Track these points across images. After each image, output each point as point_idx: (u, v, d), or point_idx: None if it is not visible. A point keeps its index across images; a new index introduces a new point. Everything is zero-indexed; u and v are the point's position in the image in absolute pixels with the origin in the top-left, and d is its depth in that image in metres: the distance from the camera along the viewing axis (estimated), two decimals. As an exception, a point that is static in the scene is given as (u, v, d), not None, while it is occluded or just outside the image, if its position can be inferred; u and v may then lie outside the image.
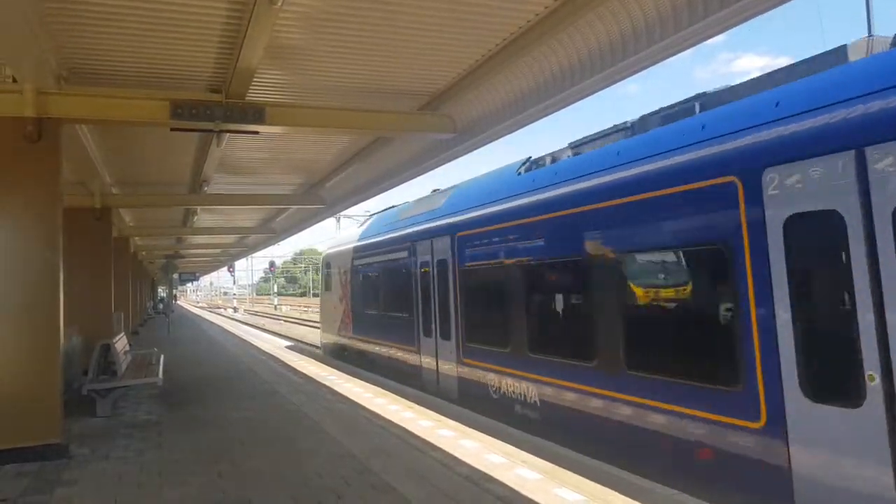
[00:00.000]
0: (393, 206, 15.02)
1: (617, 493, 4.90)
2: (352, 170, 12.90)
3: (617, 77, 6.49)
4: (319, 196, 15.83)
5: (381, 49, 6.98)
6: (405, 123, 8.94)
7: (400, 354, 12.18)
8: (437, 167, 10.79)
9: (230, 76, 7.15)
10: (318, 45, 6.78)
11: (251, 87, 7.54)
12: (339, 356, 16.14)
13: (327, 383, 11.16)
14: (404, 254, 11.90)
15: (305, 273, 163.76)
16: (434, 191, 12.48)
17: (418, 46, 6.98)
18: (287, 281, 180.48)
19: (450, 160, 10.18)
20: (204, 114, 7.63)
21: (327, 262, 17.96)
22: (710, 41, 5.96)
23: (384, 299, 13.31)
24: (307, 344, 23.90)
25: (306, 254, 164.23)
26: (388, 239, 12.95)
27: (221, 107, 7.67)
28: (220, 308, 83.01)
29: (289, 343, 22.39)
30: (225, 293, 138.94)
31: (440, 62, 7.50)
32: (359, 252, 14.84)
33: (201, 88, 7.81)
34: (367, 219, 16.19)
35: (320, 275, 19.16)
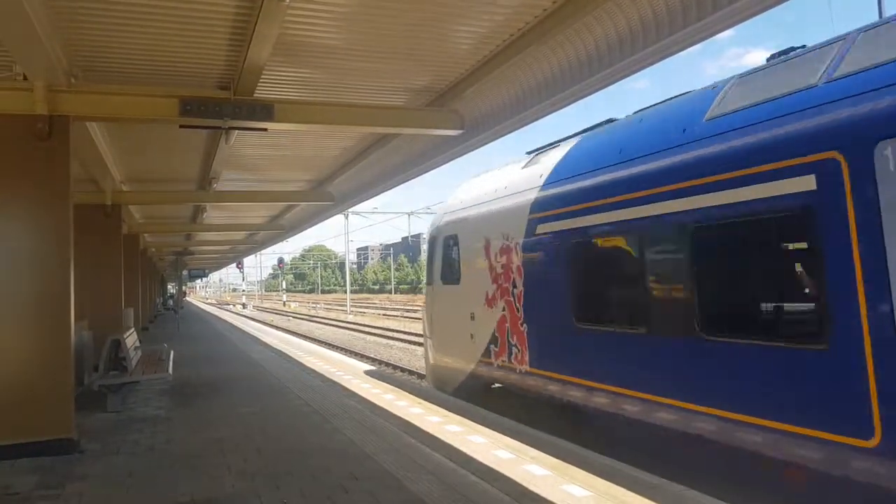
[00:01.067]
0: (616, 121, 7.73)
1: (625, 490, 4.89)
2: (360, 166, 12.91)
3: (625, 72, 6.45)
4: (328, 192, 15.85)
5: (389, 45, 6.97)
6: (413, 120, 8.93)
7: (764, 443, 4.92)
8: (445, 163, 10.77)
9: (239, 73, 7.17)
10: (326, 41, 6.78)
11: (259, 84, 7.55)
12: (473, 397, 9.13)
13: (335, 379, 11.20)
14: (785, 192, 4.85)
15: (314, 270, 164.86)
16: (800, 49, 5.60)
17: (426, 42, 6.97)
18: (296, 277, 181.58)
19: (458, 156, 10.16)
20: (212, 111, 7.65)
21: (450, 235, 10.27)
22: (718, 36, 5.85)
23: (671, 302, 5.96)
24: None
25: (315, 250, 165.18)
26: (677, 163, 5.82)
27: (230, 104, 7.69)
28: (228, 304, 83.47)
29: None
30: (234, 290, 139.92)
31: (448, 58, 7.48)
32: (554, 206, 7.56)
33: (210, 85, 7.83)
34: (540, 152, 8.81)
35: (427, 256, 11.61)
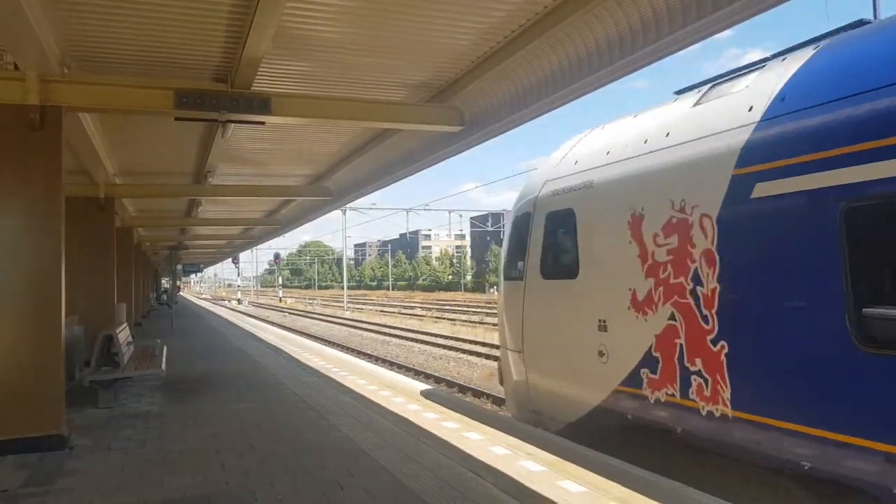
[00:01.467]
0: None
1: (620, 486, 4.86)
2: (358, 161, 12.84)
3: (625, 70, 6.38)
4: (325, 187, 15.77)
5: (390, 40, 6.90)
6: (413, 115, 8.85)
7: None
8: (445, 159, 10.71)
9: (236, 65, 7.08)
10: (326, 35, 6.71)
11: (257, 77, 7.47)
12: (604, 439, 6.41)
13: (332, 375, 11.14)
14: None
15: (311, 266, 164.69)
16: None
17: (427, 38, 6.90)
18: (292, 273, 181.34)
19: (458, 152, 10.09)
20: (209, 103, 7.57)
21: (560, 210, 7.42)
22: (717, 36, 5.78)
23: None
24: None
25: (311, 246, 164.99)
26: None
27: (226, 96, 7.61)
28: (223, 300, 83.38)
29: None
30: (229, 285, 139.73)
31: (448, 54, 7.41)
32: (801, 149, 4.71)
33: (206, 77, 7.75)
34: (723, 80, 6.08)
35: (508, 240, 8.70)
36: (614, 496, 4.67)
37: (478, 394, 13.82)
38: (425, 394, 9.26)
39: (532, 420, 7.68)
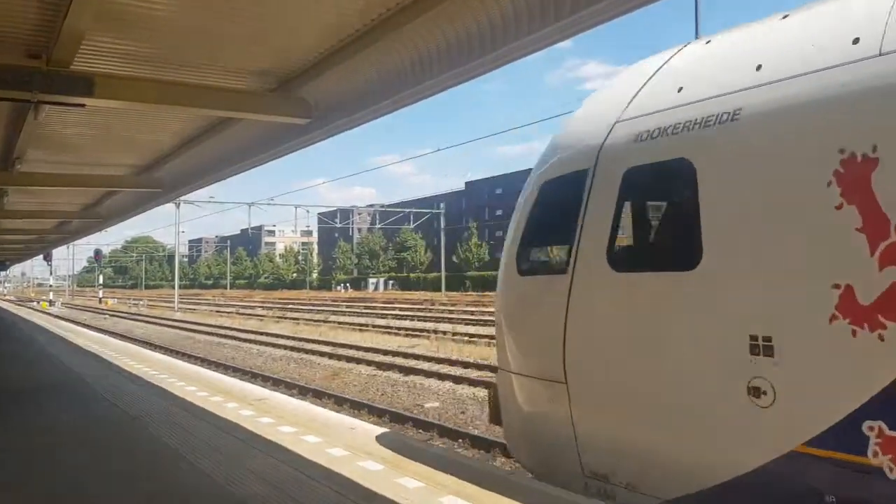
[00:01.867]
0: None
1: (457, 479, 5.04)
2: (194, 151, 12.08)
3: (473, 73, 6.61)
4: (156, 179, 14.67)
5: (231, 22, 6.58)
6: (255, 105, 8.50)
7: None
8: (292, 151, 10.37)
9: (54, 40, 6.39)
10: (160, 12, 6.26)
11: (79, 54, 6.79)
12: None
13: (156, 382, 10.41)
14: None
15: (138, 263, 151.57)
16: None
17: (272, 24, 6.66)
18: (115, 271, 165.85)
19: (305, 145, 9.83)
20: (18, 81, 6.76)
21: (656, 164, 4.56)
22: (559, 45, 6.22)
23: None
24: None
25: (139, 242, 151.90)
26: None
27: (41, 74, 6.83)
28: (31, 301, 74.33)
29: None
30: (40, 284, 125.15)
31: (296, 42, 7.20)
32: None
33: (17, 52, 6.87)
34: None
35: (526, 215, 5.67)
36: (451, 489, 4.82)
37: (319, 394, 13.63)
38: (260, 398, 8.99)
39: (586, 488, 4.91)
